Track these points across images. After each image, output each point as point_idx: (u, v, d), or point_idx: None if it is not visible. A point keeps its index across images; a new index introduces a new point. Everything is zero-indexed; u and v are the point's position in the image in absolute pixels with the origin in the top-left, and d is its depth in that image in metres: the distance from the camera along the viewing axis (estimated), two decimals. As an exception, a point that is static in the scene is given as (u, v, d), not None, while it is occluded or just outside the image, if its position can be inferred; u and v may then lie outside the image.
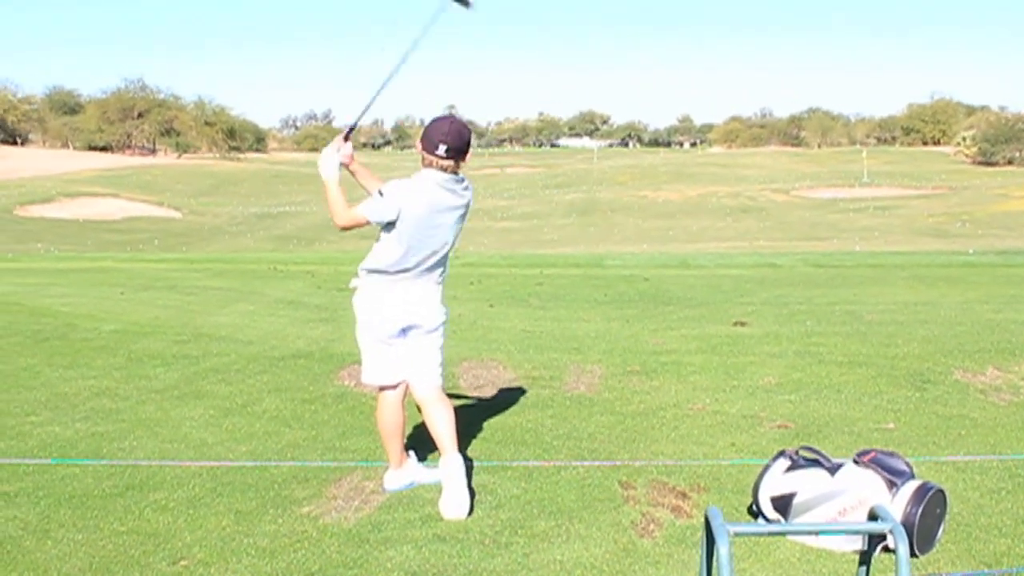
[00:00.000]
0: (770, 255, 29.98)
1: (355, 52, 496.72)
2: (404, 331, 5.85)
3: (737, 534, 2.99)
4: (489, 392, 8.62)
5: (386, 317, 5.80)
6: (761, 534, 4.99)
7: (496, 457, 6.65)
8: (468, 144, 5.72)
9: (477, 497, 5.79)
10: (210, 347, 10.68)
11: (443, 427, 5.86)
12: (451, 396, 8.09)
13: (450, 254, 5.90)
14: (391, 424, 5.96)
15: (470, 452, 6.75)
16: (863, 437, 7.05)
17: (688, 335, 11.35)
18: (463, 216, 5.83)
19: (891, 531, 3.02)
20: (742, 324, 12.15)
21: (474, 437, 7.12)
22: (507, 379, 9.09)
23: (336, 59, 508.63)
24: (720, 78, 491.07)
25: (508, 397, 8.41)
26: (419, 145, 5.68)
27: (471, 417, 7.64)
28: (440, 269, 5.85)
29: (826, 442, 6.83)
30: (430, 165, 5.65)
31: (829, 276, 20.59)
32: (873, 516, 3.11)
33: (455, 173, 5.71)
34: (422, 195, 5.65)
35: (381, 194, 5.63)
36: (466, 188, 5.81)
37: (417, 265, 5.72)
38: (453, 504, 5.55)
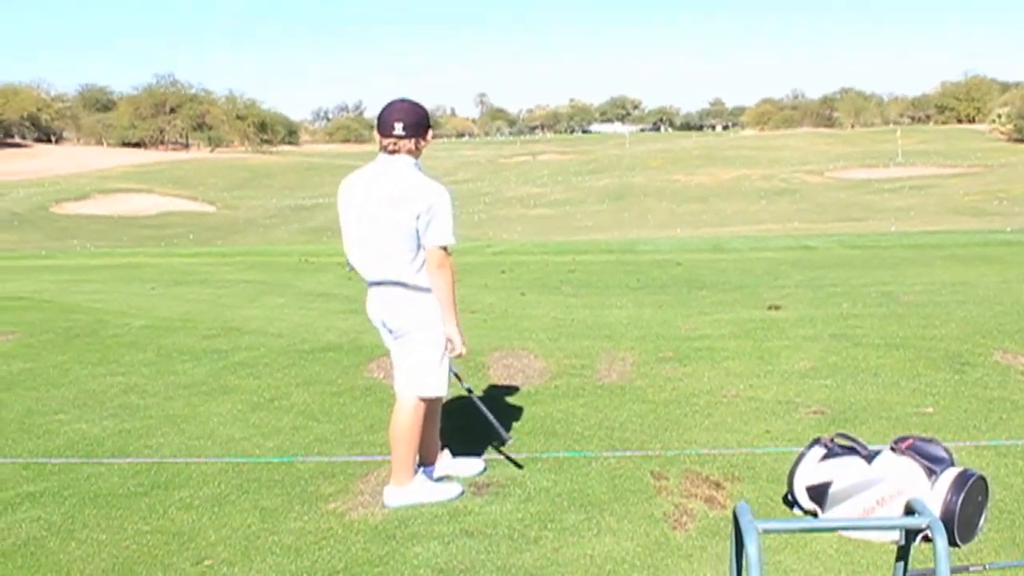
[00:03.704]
0: (804, 237, 29.72)
1: (385, 42, 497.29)
2: (386, 329, 5.71)
3: (766, 531, 2.87)
4: (519, 382, 8.50)
5: (367, 312, 5.75)
6: (792, 531, 4.83)
7: (526, 449, 6.54)
8: (423, 117, 5.52)
9: (506, 490, 5.70)
10: (240, 341, 10.62)
11: (391, 440, 5.71)
12: (482, 388, 8.05)
13: (421, 255, 5.43)
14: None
15: (499, 444, 6.65)
16: (901, 422, 6.88)
17: (721, 320, 11.18)
18: (416, 213, 5.30)
19: (929, 526, 2.88)
20: (776, 308, 11.97)
21: (504, 429, 6.99)
22: (538, 368, 8.96)
23: (366, 50, 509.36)
24: (751, 60, 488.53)
25: (539, 387, 8.29)
26: (376, 136, 5.53)
27: (501, 408, 7.52)
28: (401, 270, 5.44)
29: (863, 427, 6.68)
30: (383, 149, 5.49)
31: (864, 257, 20.35)
32: (909, 510, 2.97)
33: (411, 155, 5.48)
34: (348, 182, 5.62)
35: None
36: (417, 183, 5.39)
37: (367, 262, 5.57)
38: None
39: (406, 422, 5.61)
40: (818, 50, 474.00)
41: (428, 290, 5.47)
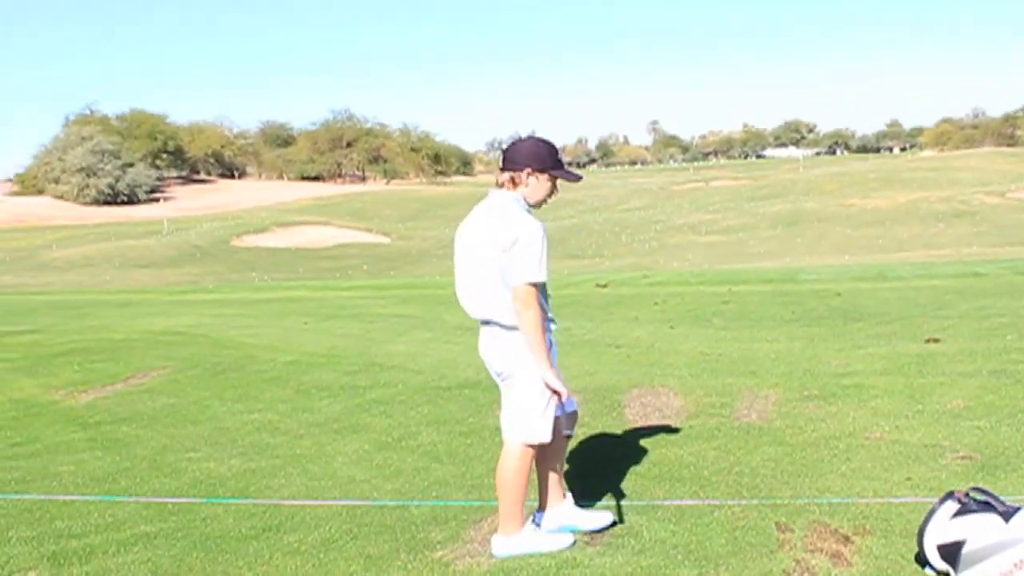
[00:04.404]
0: (974, 263, 28.26)
1: (557, 72, 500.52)
2: (492, 371, 5.52)
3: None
4: (654, 422, 8.20)
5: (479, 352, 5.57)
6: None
7: (648, 495, 6.24)
8: (526, 153, 5.30)
9: (620, 540, 5.44)
10: (379, 377, 10.60)
11: (497, 488, 5.49)
12: (616, 428, 7.80)
13: (511, 294, 5.16)
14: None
15: (622, 489, 6.39)
16: (1059, 470, 6.34)
17: (875, 354, 10.63)
18: (502, 248, 5.11)
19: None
20: (935, 341, 11.34)
21: (628, 473, 6.73)
22: (675, 407, 8.64)
23: (540, 80, 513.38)
24: (930, 79, 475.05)
25: (672, 428, 7.97)
26: None
27: (629, 451, 7.28)
28: (496, 308, 5.24)
29: (1013, 475, 6.19)
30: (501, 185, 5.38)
31: (1039, 284, 19.18)
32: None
33: (514, 189, 5.30)
34: (467, 218, 5.46)
35: None
36: (506, 217, 5.19)
37: (465, 299, 5.43)
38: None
39: (512, 469, 5.39)
40: (999, 66, 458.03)
41: None
